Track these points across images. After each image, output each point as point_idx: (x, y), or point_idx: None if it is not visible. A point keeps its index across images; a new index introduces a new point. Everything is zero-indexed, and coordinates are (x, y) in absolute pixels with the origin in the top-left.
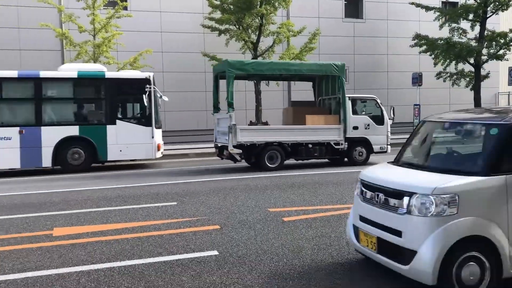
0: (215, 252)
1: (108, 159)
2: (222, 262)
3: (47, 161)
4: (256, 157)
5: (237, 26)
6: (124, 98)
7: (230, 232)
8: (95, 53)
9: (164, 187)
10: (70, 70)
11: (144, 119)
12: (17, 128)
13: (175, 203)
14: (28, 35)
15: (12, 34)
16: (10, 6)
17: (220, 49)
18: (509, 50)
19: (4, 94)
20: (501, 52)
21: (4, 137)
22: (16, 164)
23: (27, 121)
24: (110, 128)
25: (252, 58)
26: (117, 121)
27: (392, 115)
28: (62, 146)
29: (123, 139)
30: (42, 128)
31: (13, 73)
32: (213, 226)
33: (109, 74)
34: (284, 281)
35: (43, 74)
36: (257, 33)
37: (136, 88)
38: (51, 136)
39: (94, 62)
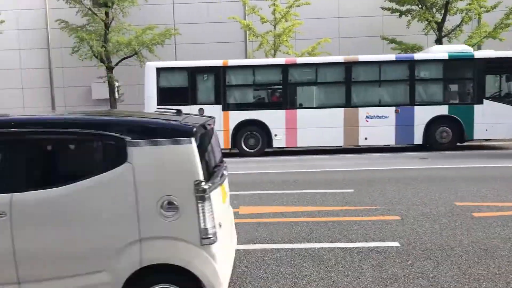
0: (396, 244)
1: (474, 138)
2: (404, 255)
3: (418, 139)
4: None
5: (420, 6)
6: (491, 77)
7: (412, 224)
8: (276, 43)
9: (339, 174)
10: (440, 51)
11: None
12: (393, 108)
13: (352, 190)
14: (216, 29)
15: (202, 29)
16: (200, 3)
17: (400, 31)
18: None
19: (382, 76)
20: None
21: (382, 116)
22: (391, 141)
23: (402, 101)
24: (477, 107)
25: (436, 40)
26: (484, 100)
27: None
28: (432, 125)
29: (490, 118)
30: (415, 107)
31: (391, 57)
32: (393, 216)
33: (478, 54)
34: (476, 281)
35: (417, 56)
36: (442, 11)
37: (505, 67)
38: (422, 115)
39: (275, 52)
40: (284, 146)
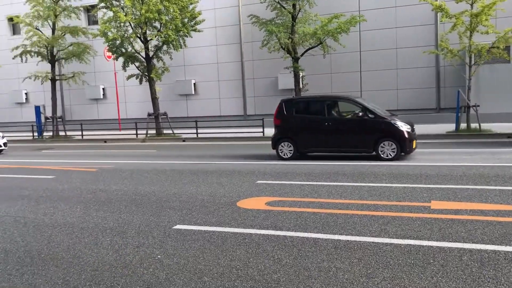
0: None
1: None
2: None
3: None
4: None
5: None
6: None
7: None
8: (472, 23)
9: None
10: None
11: None
12: None
13: None
14: (404, 13)
15: (389, 14)
16: None
17: None
18: None
19: None
20: None
21: None
22: None
23: None
24: None
25: None
26: None
27: None
28: None
29: None
30: None
31: None
32: None
33: None
34: None
35: None
36: None
37: None
38: None
39: (471, 32)
40: None
